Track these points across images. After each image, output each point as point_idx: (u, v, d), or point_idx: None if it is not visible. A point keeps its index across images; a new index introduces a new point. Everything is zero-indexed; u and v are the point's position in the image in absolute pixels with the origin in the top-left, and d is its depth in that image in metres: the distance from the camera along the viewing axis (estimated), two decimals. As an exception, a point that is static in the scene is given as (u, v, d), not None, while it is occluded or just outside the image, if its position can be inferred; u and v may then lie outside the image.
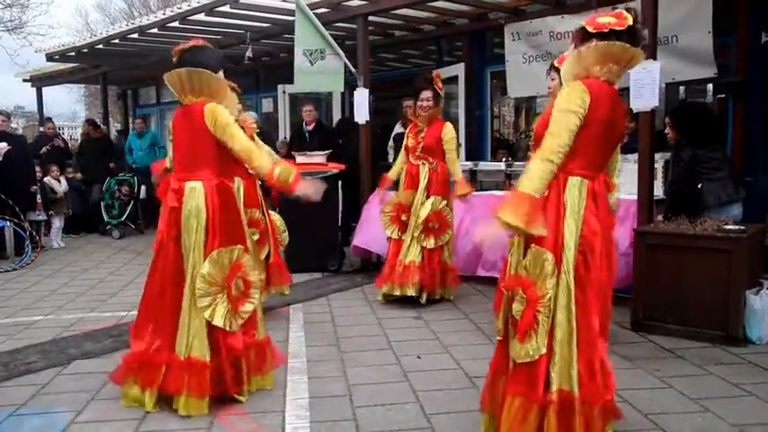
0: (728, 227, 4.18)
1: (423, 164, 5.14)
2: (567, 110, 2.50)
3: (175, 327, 3.19)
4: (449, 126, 5.22)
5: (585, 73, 2.60)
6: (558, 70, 3.68)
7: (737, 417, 3.03)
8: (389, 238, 5.28)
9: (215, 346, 3.18)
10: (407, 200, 5.16)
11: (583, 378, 2.49)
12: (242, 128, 4.80)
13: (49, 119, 11.53)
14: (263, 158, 3.36)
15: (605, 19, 2.62)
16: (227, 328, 3.17)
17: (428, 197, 5.08)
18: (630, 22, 2.59)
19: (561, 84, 3.37)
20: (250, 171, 4.73)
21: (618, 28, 2.57)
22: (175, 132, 3.42)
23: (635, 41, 2.60)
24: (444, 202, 5.11)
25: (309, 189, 3.31)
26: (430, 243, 5.05)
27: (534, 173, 2.49)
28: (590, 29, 2.62)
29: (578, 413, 2.45)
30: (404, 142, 5.34)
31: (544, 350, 2.48)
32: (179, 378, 3.12)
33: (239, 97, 4.44)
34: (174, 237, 3.26)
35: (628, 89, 4.73)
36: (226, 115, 3.25)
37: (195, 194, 3.20)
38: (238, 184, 4.67)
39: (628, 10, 2.64)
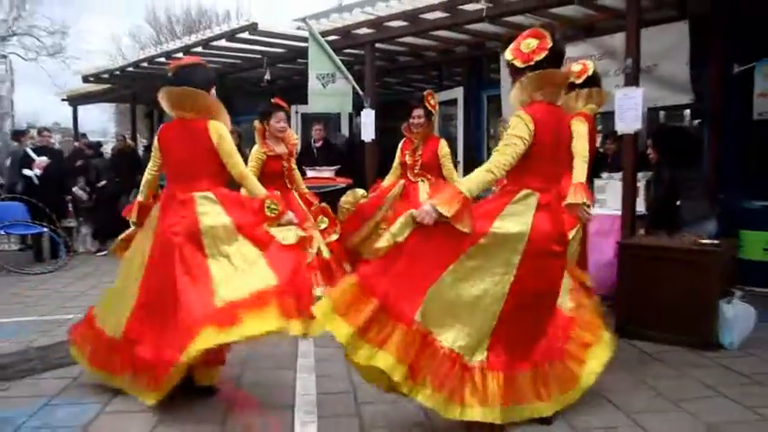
0: (704, 241, 4.19)
1: (422, 181, 5.06)
2: (515, 135, 2.66)
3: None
4: (443, 142, 5.15)
5: (530, 100, 2.75)
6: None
7: (711, 416, 3.04)
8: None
9: None
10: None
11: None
12: (284, 142, 4.92)
13: (84, 135, 11.61)
14: (257, 185, 3.40)
15: (528, 45, 2.73)
16: None
17: None
18: (550, 42, 2.71)
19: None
20: (288, 185, 4.86)
21: (542, 55, 2.70)
22: (170, 146, 3.34)
23: (559, 61, 2.78)
24: None
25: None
26: None
27: (476, 178, 2.67)
28: (519, 64, 2.75)
29: None
30: (398, 158, 5.23)
31: None
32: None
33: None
34: (186, 243, 3.13)
35: (613, 113, 4.76)
36: (231, 141, 3.29)
37: (211, 203, 3.19)
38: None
39: (544, 27, 2.79)
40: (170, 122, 3.41)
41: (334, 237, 4.81)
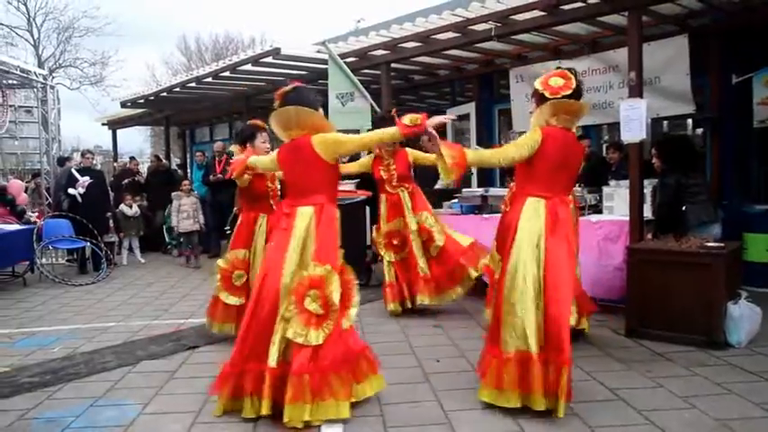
0: (710, 244, 4.13)
1: (402, 191, 5.12)
2: (526, 138, 3.16)
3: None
4: (408, 149, 5.19)
5: (546, 124, 3.16)
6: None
7: (720, 412, 2.98)
8: (390, 262, 5.12)
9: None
10: (396, 227, 5.12)
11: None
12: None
13: (133, 158, 11.75)
14: (378, 132, 3.29)
15: (556, 82, 3.14)
16: (297, 340, 2.92)
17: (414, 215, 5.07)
18: (574, 84, 3.16)
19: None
20: (274, 207, 4.40)
21: (568, 92, 3.14)
22: (284, 165, 3.31)
23: (578, 98, 3.20)
24: (430, 215, 5.12)
25: (435, 121, 3.12)
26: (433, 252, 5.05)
27: (480, 154, 3.43)
28: (548, 95, 3.15)
29: None
30: (374, 175, 5.22)
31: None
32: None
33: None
34: (282, 256, 3.09)
35: (617, 124, 4.73)
36: (333, 133, 3.19)
37: (306, 218, 3.10)
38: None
39: (569, 69, 3.19)
40: (284, 143, 3.35)
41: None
